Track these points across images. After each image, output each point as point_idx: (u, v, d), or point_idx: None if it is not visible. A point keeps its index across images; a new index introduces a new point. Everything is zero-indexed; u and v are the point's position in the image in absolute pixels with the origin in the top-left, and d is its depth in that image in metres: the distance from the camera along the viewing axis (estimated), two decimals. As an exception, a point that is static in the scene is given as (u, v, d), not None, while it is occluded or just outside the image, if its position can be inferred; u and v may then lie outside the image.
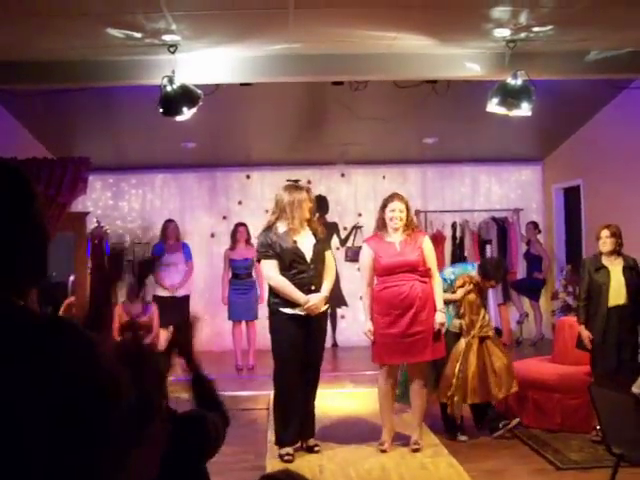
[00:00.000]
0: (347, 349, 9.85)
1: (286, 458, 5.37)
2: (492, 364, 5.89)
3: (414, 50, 6.06)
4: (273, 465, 5.20)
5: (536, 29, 5.52)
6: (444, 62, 6.24)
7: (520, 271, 10.25)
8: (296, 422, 5.43)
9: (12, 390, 1.17)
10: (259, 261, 5.62)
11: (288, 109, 8.47)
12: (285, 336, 5.38)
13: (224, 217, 10.41)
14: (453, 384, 5.84)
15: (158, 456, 1.59)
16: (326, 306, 5.53)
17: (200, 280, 9.86)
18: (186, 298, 8.85)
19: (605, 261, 5.86)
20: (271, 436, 5.77)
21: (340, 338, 10.15)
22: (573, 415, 6.06)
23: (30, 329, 1.23)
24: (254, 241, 8.63)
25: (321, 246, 5.54)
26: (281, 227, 5.46)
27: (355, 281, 9.93)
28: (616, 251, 5.84)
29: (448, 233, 10.44)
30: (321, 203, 9.75)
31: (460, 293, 5.96)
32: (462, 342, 5.91)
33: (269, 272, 5.46)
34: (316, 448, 5.55)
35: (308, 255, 5.44)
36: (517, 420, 6.03)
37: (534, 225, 10.22)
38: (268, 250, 5.43)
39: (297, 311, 5.37)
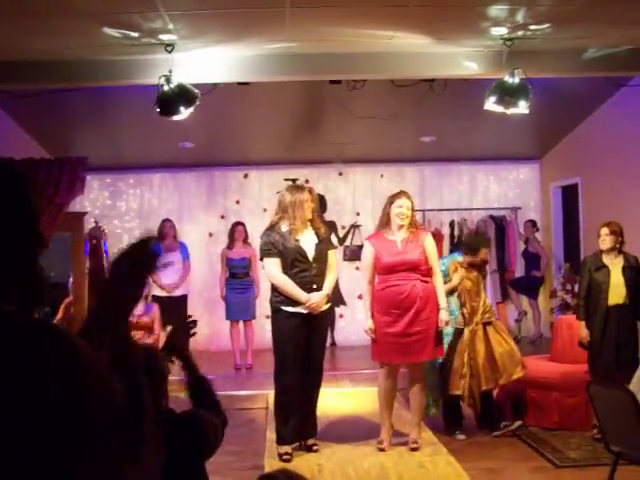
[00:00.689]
0: (346, 348, 9.85)
1: (284, 457, 5.36)
2: (495, 350, 5.88)
3: (411, 49, 6.06)
4: (271, 464, 5.19)
5: (533, 27, 5.52)
6: (441, 61, 6.24)
7: (518, 269, 10.24)
8: (296, 421, 5.43)
9: None
10: (262, 259, 5.63)
11: (286, 108, 8.47)
12: (287, 334, 5.38)
13: (222, 216, 10.40)
14: (465, 373, 5.83)
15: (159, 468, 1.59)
16: (328, 305, 5.54)
17: (198, 280, 9.85)
18: (183, 298, 8.84)
19: (606, 259, 5.85)
20: (270, 435, 5.77)
21: (339, 337, 10.15)
22: (572, 413, 6.07)
23: (14, 333, 1.22)
24: (252, 240, 8.65)
25: (324, 245, 5.55)
26: (284, 227, 5.48)
27: (353, 280, 9.95)
28: (617, 249, 5.84)
29: (446, 231, 10.44)
30: (319, 202, 9.74)
31: (456, 278, 5.96)
32: (466, 332, 5.91)
33: (272, 270, 5.47)
34: (315, 447, 5.55)
35: (310, 254, 5.45)
36: (519, 423, 6.03)
37: (532, 223, 10.22)
38: (271, 249, 5.44)
39: (299, 309, 5.38)
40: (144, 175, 10.38)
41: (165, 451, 1.61)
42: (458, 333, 5.94)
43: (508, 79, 5.93)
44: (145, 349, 2.46)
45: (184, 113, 5.94)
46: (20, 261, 1.33)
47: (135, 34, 5.40)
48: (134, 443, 1.35)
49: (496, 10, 5.16)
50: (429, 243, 5.63)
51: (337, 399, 7.00)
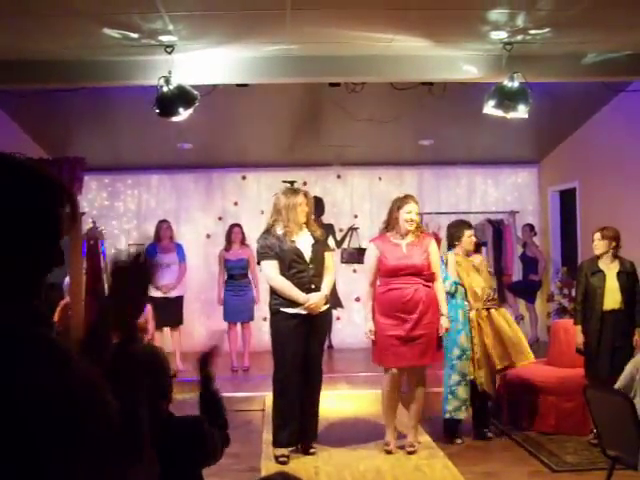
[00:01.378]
0: (342, 351, 9.84)
1: (281, 460, 5.36)
2: (503, 332, 5.87)
3: (411, 52, 6.06)
4: (268, 467, 5.19)
5: (533, 31, 5.53)
6: (441, 64, 6.25)
7: (516, 273, 10.25)
8: (294, 423, 5.42)
9: None
10: (259, 263, 5.63)
11: (284, 110, 8.47)
12: (286, 336, 5.38)
13: (220, 218, 10.39)
14: (477, 356, 5.80)
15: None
16: (326, 306, 5.54)
17: (195, 281, 9.84)
18: (179, 299, 8.83)
19: (602, 265, 5.86)
20: (266, 437, 5.76)
21: (335, 340, 10.14)
22: (568, 418, 6.07)
23: (3, 340, 1.22)
24: (249, 242, 8.64)
25: (320, 247, 5.55)
26: (279, 229, 5.49)
27: (350, 283, 9.95)
28: (612, 254, 5.84)
29: (444, 235, 10.42)
30: (317, 204, 9.73)
31: (452, 271, 5.93)
32: (471, 314, 5.88)
33: (269, 273, 5.48)
34: (311, 450, 5.55)
35: (307, 255, 5.46)
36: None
37: (530, 227, 10.24)
38: (268, 251, 5.45)
39: (298, 310, 5.38)
40: (142, 176, 10.37)
41: (159, 465, 1.61)
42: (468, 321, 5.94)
43: (507, 83, 5.94)
44: (148, 352, 2.46)
45: (183, 114, 5.94)
46: (27, 278, 1.33)
47: (135, 35, 5.39)
48: (128, 454, 1.35)
49: (496, 14, 5.16)
50: (433, 249, 5.64)
51: (334, 402, 6.99)
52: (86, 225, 9.33)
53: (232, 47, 5.85)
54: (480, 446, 5.87)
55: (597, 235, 5.89)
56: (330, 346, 9.92)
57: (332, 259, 5.73)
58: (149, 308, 8.10)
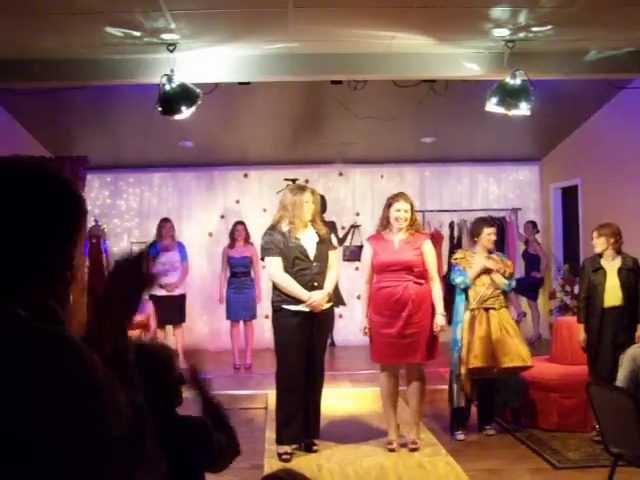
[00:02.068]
0: (345, 348, 9.85)
1: (284, 457, 5.37)
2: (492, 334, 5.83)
3: (413, 49, 6.06)
4: (271, 464, 5.20)
5: (535, 29, 5.53)
6: (443, 62, 6.24)
7: (518, 270, 10.23)
8: (298, 421, 5.43)
9: (10, 396, 1.18)
10: (263, 259, 5.64)
11: (286, 108, 8.47)
12: (288, 333, 5.39)
13: (222, 216, 10.39)
14: (462, 352, 5.78)
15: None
16: (329, 303, 5.55)
17: (198, 279, 9.85)
18: (182, 297, 8.84)
19: (603, 261, 5.86)
20: (269, 435, 5.77)
21: (338, 337, 10.14)
22: (571, 415, 6.07)
23: (27, 339, 1.24)
24: (253, 240, 8.65)
25: (324, 245, 5.56)
26: (284, 226, 5.50)
27: (353, 281, 9.95)
28: (614, 251, 5.83)
29: (446, 233, 10.44)
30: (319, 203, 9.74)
31: (473, 273, 5.89)
32: (466, 314, 5.87)
33: (273, 269, 5.48)
34: (314, 447, 5.56)
35: (311, 252, 5.46)
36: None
37: (532, 225, 10.23)
38: (272, 248, 5.46)
39: (301, 308, 5.39)
40: (144, 174, 10.38)
41: (165, 466, 1.62)
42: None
43: (509, 80, 5.94)
44: (155, 351, 2.45)
45: (186, 112, 5.94)
46: (53, 277, 1.35)
47: (137, 33, 5.40)
48: (134, 454, 1.36)
49: (498, 12, 5.16)
50: (427, 247, 5.63)
51: (336, 399, 7.00)
52: (88, 223, 9.35)
53: (234, 45, 5.85)
54: (482, 443, 5.88)
55: (595, 233, 5.89)
56: (332, 344, 9.93)
57: (336, 257, 5.74)
58: (151, 306, 8.12)
